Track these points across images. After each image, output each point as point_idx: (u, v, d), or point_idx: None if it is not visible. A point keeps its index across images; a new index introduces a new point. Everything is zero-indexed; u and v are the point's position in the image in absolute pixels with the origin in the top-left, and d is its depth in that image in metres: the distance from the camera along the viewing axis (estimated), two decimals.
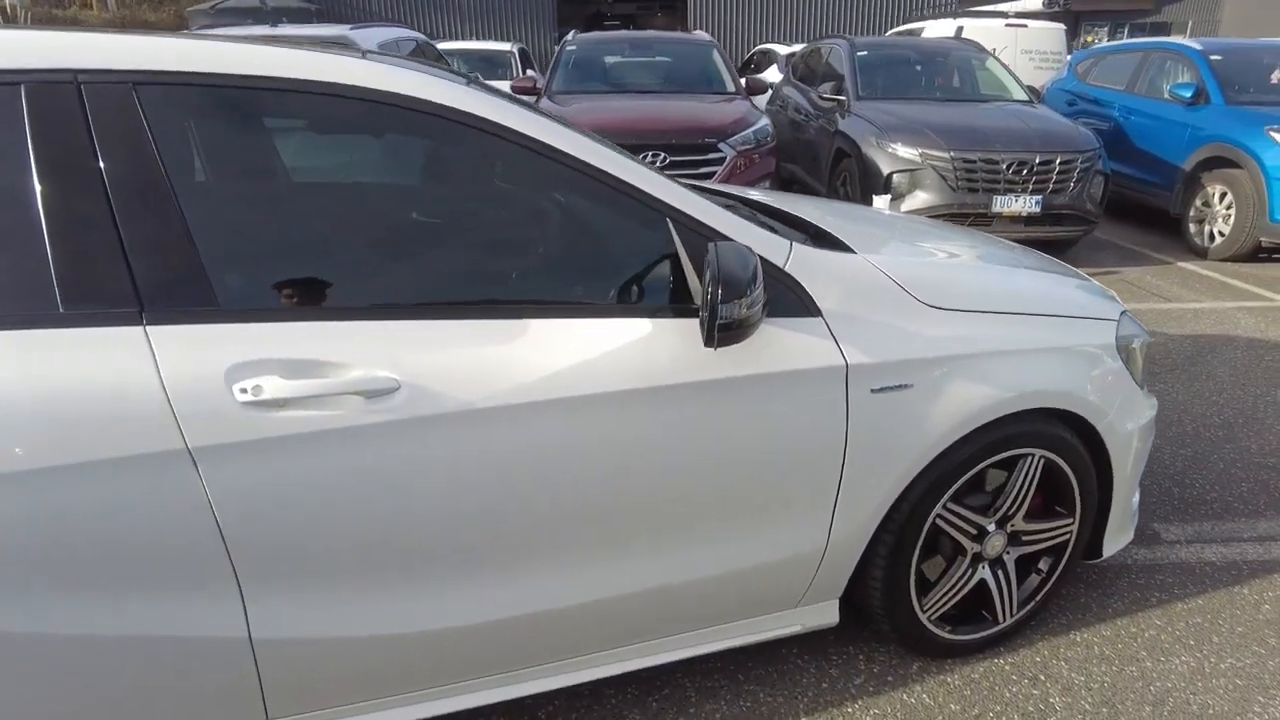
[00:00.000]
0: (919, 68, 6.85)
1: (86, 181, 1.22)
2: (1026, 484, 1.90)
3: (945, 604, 1.94)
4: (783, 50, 12.51)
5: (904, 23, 13.82)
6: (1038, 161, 5.32)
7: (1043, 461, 1.89)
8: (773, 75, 10.99)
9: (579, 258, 1.60)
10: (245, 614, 1.32)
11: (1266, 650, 2.04)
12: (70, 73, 1.25)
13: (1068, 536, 2.02)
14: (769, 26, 24.34)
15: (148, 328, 1.22)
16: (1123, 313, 2.06)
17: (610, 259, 1.56)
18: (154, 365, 1.20)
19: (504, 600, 1.49)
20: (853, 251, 1.77)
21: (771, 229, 1.73)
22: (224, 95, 1.32)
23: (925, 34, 11.11)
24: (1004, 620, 2.01)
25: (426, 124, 1.40)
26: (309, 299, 1.35)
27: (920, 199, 5.36)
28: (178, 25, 16.23)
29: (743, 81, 6.55)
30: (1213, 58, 6.35)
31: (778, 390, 1.56)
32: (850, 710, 1.84)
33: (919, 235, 2.25)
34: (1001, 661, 2.00)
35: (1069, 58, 9.79)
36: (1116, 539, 2.15)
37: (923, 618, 1.91)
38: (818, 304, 1.60)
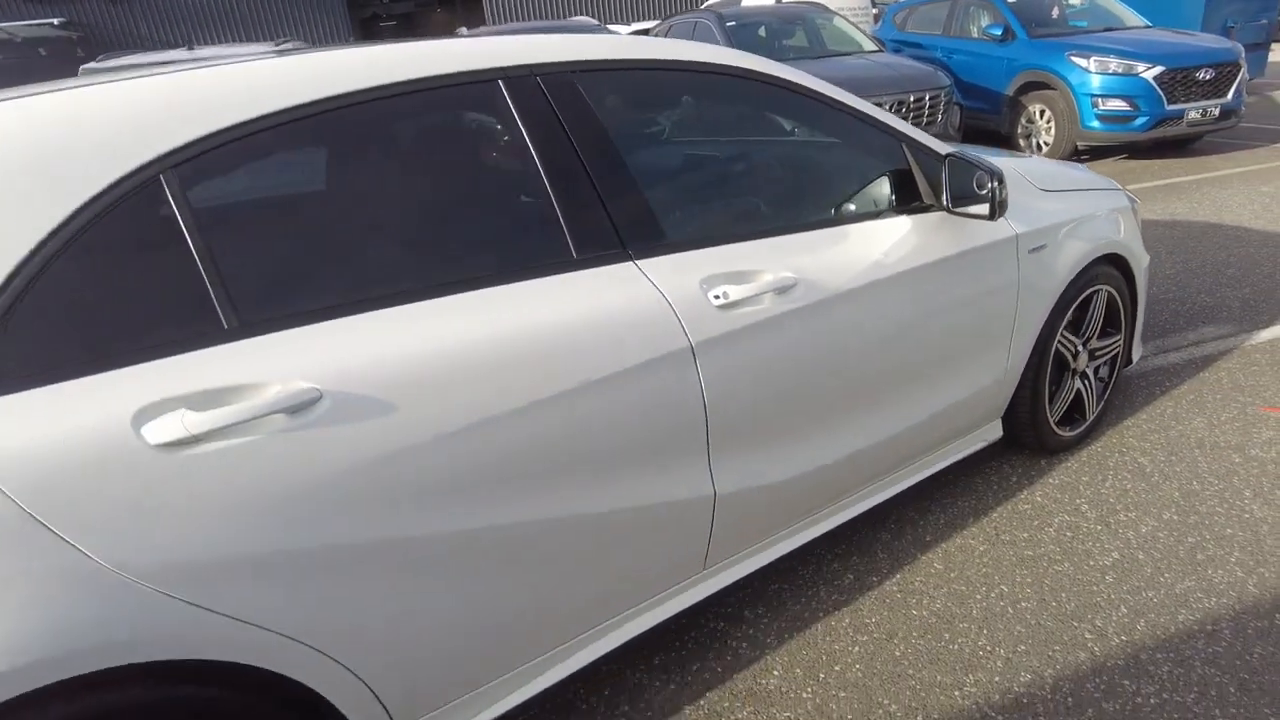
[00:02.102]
0: (780, 32, 7.69)
1: (566, 153, 1.56)
2: (1099, 312, 2.63)
3: (1059, 411, 2.63)
4: (624, 30, 13.06)
5: None
6: (912, 100, 6.30)
7: (1107, 294, 2.63)
8: None
9: (857, 179, 2.06)
10: (711, 477, 1.72)
11: (1245, 402, 2.92)
12: (528, 68, 1.57)
13: (1118, 350, 2.78)
14: (572, 7, 24.71)
15: (637, 262, 1.59)
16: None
17: (873, 179, 2.06)
18: (654, 288, 1.57)
19: (839, 445, 1.97)
20: None
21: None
22: (633, 77, 1.69)
23: (744, 1, 12.11)
24: (1089, 418, 2.75)
25: (762, 90, 1.84)
26: (730, 227, 1.76)
27: None
28: None
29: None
30: (1011, 1, 7.67)
31: (984, 258, 2.15)
32: (1021, 495, 2.49)
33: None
34: (1095, 448, 2.74)
35: (875, 10, 11.14)
36: (1138, 349, 2.95)
37: (1051, 422, 2.60)
38: None
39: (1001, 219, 2.18)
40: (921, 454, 2.27)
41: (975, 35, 7.95)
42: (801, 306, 1.76)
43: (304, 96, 1.36)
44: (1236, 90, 6.75)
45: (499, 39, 1.59)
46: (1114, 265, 2.64)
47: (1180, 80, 6.51)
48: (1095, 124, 6.69)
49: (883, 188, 2.03)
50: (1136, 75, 6.48)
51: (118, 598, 1.10)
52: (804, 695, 1.84)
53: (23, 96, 1.24)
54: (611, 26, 14.19)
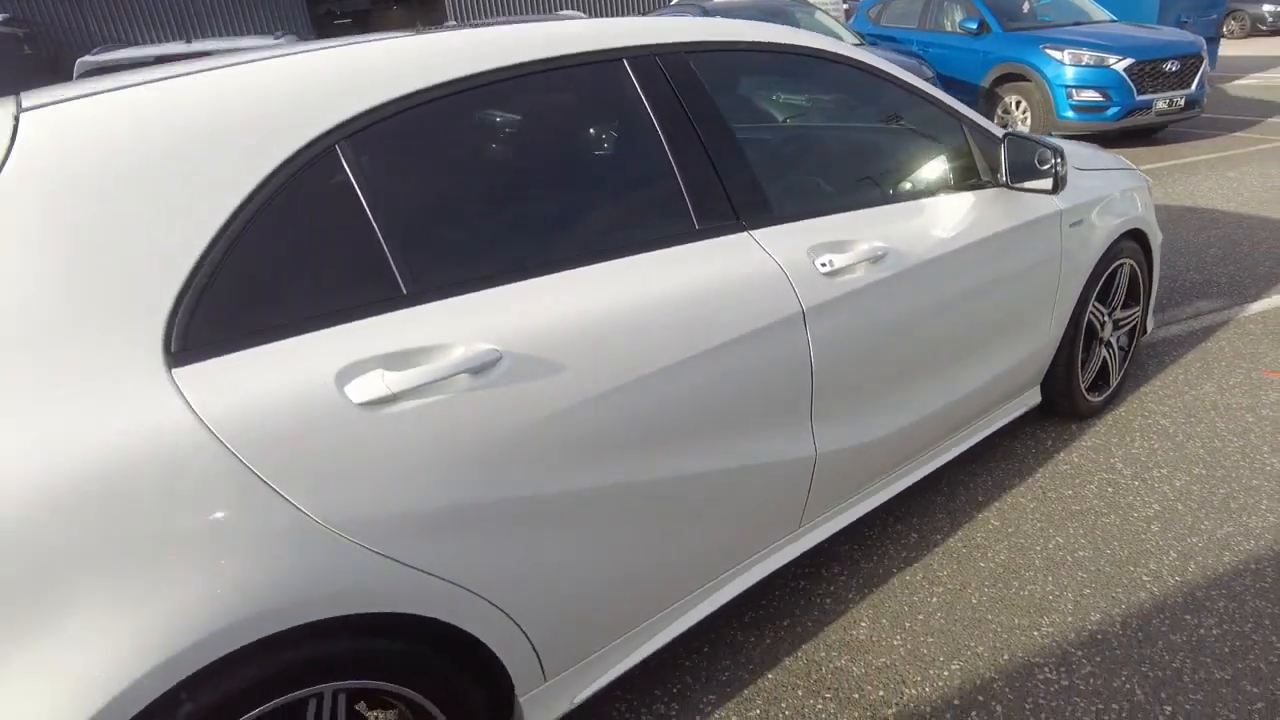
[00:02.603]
0: None
1: (685, 129, 1.65)
2: (1123, 284, 2.80)
3: (1089, 378, 2.80)
4: None
5: None
6: None
7: (1130, 267, 2.80)
8: None
9: (925, 157, 2.16)
10: (813, 437, 1.82)
11: (1249, 367, 3.13)
12: (647, 48, 1.65)
13: (1136, 320, 2.96)
14: (538, 4, 24.59)
15: (751, 232, 1.68)
16: None
17: (936, 156, 2.17)
18: (769, 256, 1.67)
19: (917, 406, 2.09)
20: None
21: None
22: (734, 58, 1.78)
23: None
24: (1113, 385, 2.92)
25: (841, 71, 1.94)
26: (824, 200, 1.87)
27: None
28: None
29: None
30: None
31: (1035, 231, 2.29)
32: (1060, 457, 2.65)
33: None
34: (1119, 412, 2.91)
35: (845, 6, 11.37)
36: (1151, 320, 3.14)
37: (1082, 388, 2.76)
38: None
39: (1035, 197, 2.32)
40: (981, 415, 2.41)
41: (950, 29, 8.20)
42: (891, 275, 1.87)
43: (459, 71, 1.42)
44: (1199, 81, 7.09)
45: (615, 21, 1.67)
46: (1135, 240, 2.81)
47: (1148, 72, 6.81)
48: (1070, 114, 6.97)
49: (945, 165, 2.15)
50: (1108, 67, 6.77)
51: (327, 552, 1.16)
52: (894, 642, 1.96)
53: (199, 73, 1.28)
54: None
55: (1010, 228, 2.20)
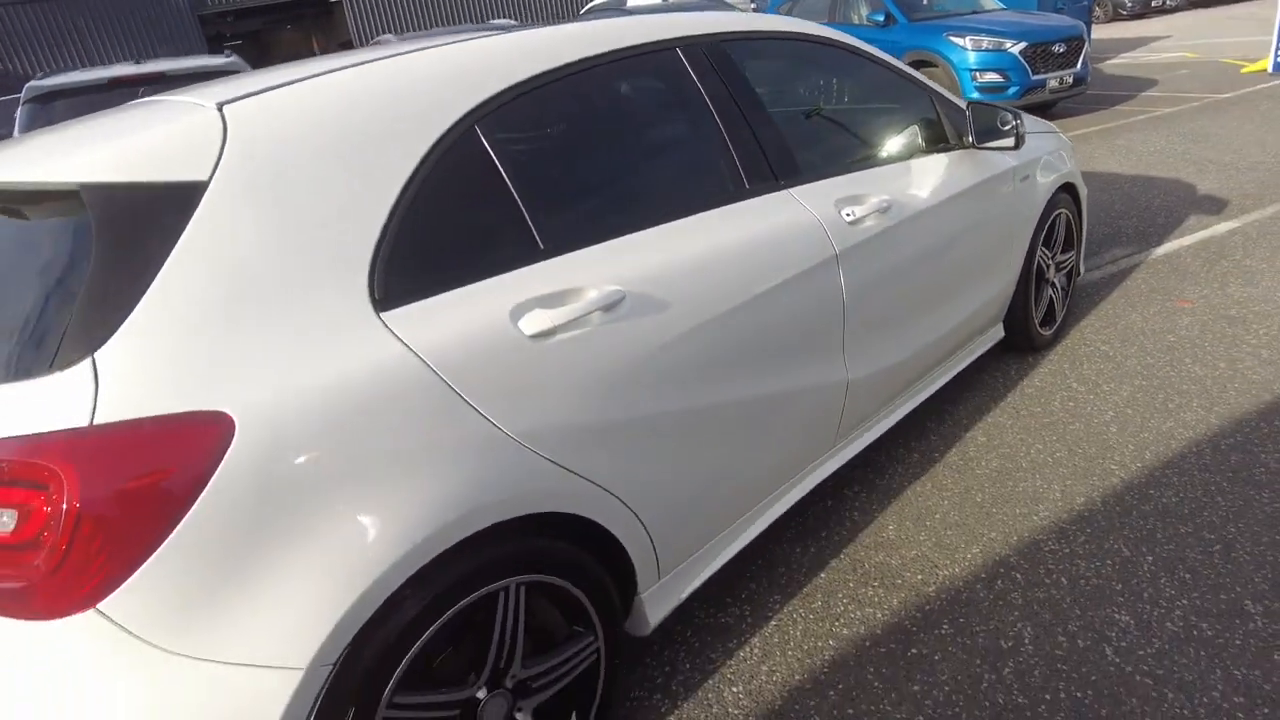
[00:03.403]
0: None
1: (728, 104, 1.93)
2: (1061, 231, 3.23)
3: (1040, 314, 3.22)
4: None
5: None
6: None
7: (1065, 216, 3.24)
8: None
9: (903, 124, 2.50)
10: (845, 364, 2.12)
11: (1163, 299, 3.63)
12: (693, 38, 1.94)
13: (1073, 263, 3.41)
14: (438, 15, 24.43)
15: (790, 190, 1.97)
16: None
17: (911, 124, 2.52)
18: (807, 209, 1.97)
19: (924, 333, 2.43)
20: None
21: None
22: (755, 44, 2.08)
23: (629, 3, 12.60)
24: (1059, 319, 3.36)
25: (839, 53, 2.27)
26: (834, 163, 2.18)
27: None
28: None
29: None
30: None
31: (996, 184, 2.67)
32: (1024, 382, 3.05)
33: None
34: (1066, 343, 3.35)
35: (753, 5, 11.89)
36: (1082, 264, 3.61)
37: (1036, 322, 3.18)
38: None
39: (995, 155, 2.71)
40: (962, 347, 2.78)
41: (858, 22, 8.76)
42: (895, 223, 2.20)
43: (566, 58, 1.67)
44: (1084, 61, 7.84)
45: (666, 16, 1.94)
46: (1068, 193, 3.25)
47: (1040, 54, 7.50)
48: (976, 95, 7.59)
49: (923, 131, 2.50)
50: (1006, 50, 7.42)
51: (514, 459, 1.39)
52: (920, 538, 2.29)
53: (357, 65, 1.48)
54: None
55: (977, 182, 2.57)
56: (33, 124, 4.71)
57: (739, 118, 1.93)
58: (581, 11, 15.04)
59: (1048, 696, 1.75)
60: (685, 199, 1.78)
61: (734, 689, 1.87)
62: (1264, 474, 2.38)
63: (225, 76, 5.02)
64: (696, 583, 1.86)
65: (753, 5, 12.14)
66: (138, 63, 5.14)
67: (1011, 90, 7.48)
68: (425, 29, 23.99)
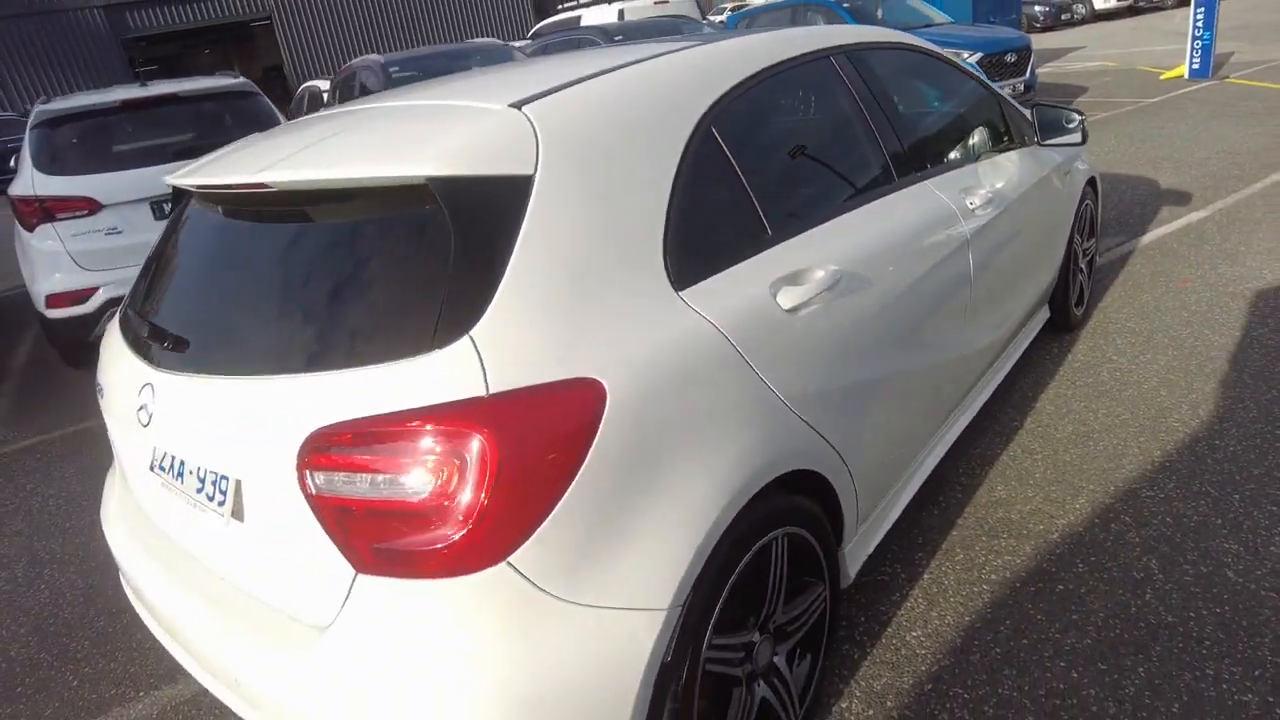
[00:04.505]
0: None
1: (873, 104, 2.14)
2: (1087, 220, 3.57)
3: (1075, 296, 3.55)
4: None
5: (549, 16, 15.20)
6: None
7: (1089, 207, 3.58)
8: None
9: (985, 125, 2.77)
10: (970, 331, 2.35)
11: (1167, 280, 4.02)
12: (839, 47, 2.15)
13: (1094, 250, 3.76)
14: (362, 44, 24.15)
15: (926, 181, 2.20)
16: None
17: (995, 125, 2.78)
18: (941, 197, 2.19)
19: (1013, 307, 2.69)
20: None
21: None
22: (880, 53, 2.30)
23: (583, 21, 12.81)
24: (1086, 300, 3.70)
25: (931, 62, 2.52)
26: (949, 159, 2.41)
27: None
28: None
29: None
30: (845, 5, 8.98)
31: (1052, 177, 2.97)
32: (1070, 358, 3.36)
33: None
34: (1095, 322, 3.68)
35: (711, 19, 12.28)
36: (1099, 251, 3.97)
37: (1072, 303, 3.50)
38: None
39: (1045, 150, 3.01)
40: (1028, 321, 3.07)
41: None
42: (1000, 211, 2.46)
43: (762, 64, 1.85)
44: (1031, 69, 8.44)
45: (823, 28, 2.15)
46: (1090, 186, 3.60)
47: (995, 63, 8.05)
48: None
49: (999, 130, 2.78)
50: (965, 60, 7.92)
51: (782, 419, 1.55)
52: (1029, 494, 2.53)
53: (612, 71, 1.63)
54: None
55: (1042, 176, 2.86)
56: (42, 149, 4.60)
57: (882, 116, 2.15)
58: (530, 32, 15.17)
59: (1191, 614, 2.00)
60: (859, 189, 1.98)
61: (913, 634, 2.06)
62: None
63: (242, 97, 5.06)
64: (880, 535, 2.05)
65: (720, 20, 12.52)
66: (143, 85, 5.06)
67: None
68: (356, 53, 23.70)
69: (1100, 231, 3.92)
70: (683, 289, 1.46)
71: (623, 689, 1.27)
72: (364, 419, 1.19)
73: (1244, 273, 4.00)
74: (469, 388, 1.19)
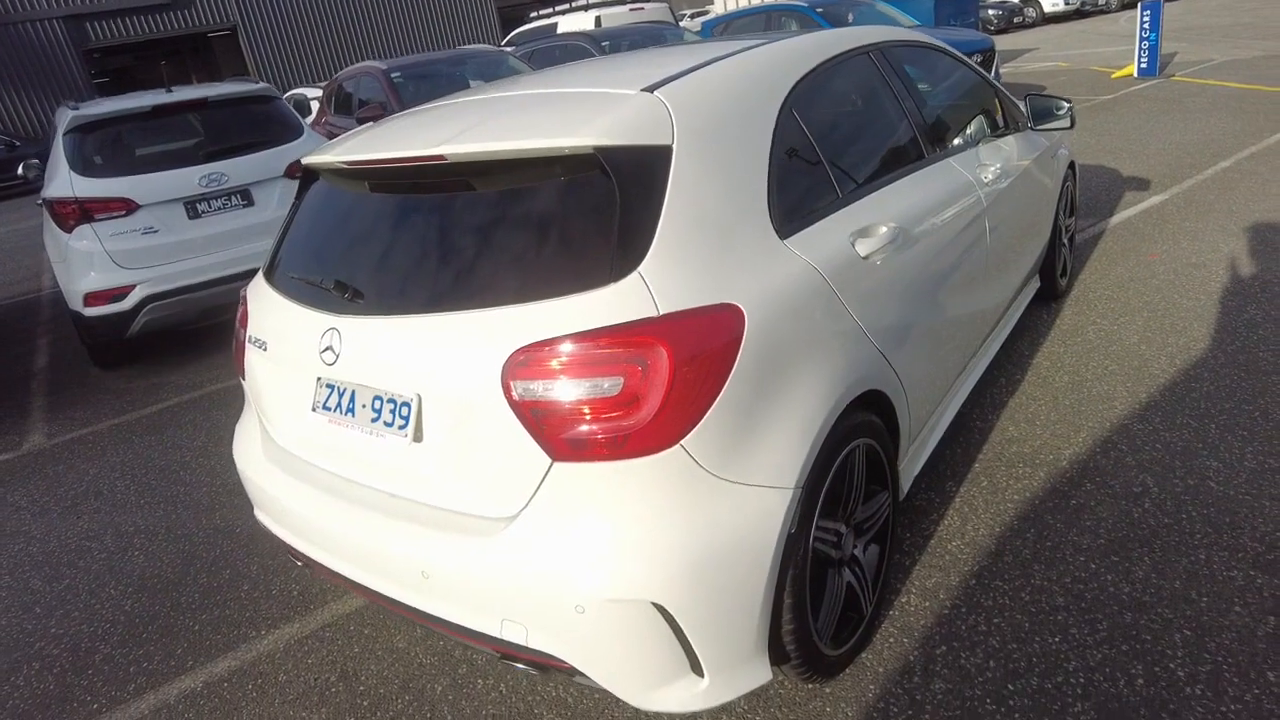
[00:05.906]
0: (653, 46, 8.81)
1: (903, 93, 2.50)
2: (1068, 199, 3.99)
3: (1060, 266, 3.96)
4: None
5: (517, 26, 15.42)
6: None
7: (1070, 187, 4.00)
8: None
9: (982, 111, 3.15)
10: (989, 287, 2.72)
11: (1137, 255, 4.47)
12: (872, 45, 2.50)
13: (1074, 226, 4.18)
14: (334, 53, 24.16)
15: (949, 159, 2.56)
16: None
17: (993, 111, 3.17)
18: (962, 172, 2.56)
19: (1020, 267, 3.07)
20: None
21: None
22: (901, 50, 2.66)
23: (560, 29, 13.13)
24: (1068, 272, 4.12)
25: (944, 59, 2.89)
26: (963, 138, 2.77)
27: None
28: None
29: None
30: (819, 9, 9.43)
31: (1044, 157, 3.36)
32: (1059, 323, 3.76)
33: None
34: (1077, 292, 4.10)
35: (689, 25, 12.68)
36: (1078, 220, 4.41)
37: (1058, 274, 3.91)
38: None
39: (1036, 134, 3.41)
40: (1025, 287, 3.45)
41: None
42: (1008, 185, 2.83)
43: (821, 58, 2.19)
44: (995, 70, 8.96)
45: (853, 29, 2.49)
46: (1070, 169, 4.02)
47: None
48: None
49: (996, 115, 3.17)
50: None
51: (864, 346, 1.89)
52: (1037, 431, 2.91)
53: (717, 60, 1.96)
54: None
55: (1035, 157, 3.26)
56: (78, 152, 4.76)
57: (911, 102, 2.51)
58: (504, 41, 15.42)
59: (1183, 516, 2.38)
60: (900, 163, 2.34)
61: (953, 544, 2.41)
62: (1267, 363, 3.14)
63: (266, 101, 5.43)
64: (924, 456, 2.40)
65: (694, 28, 12.92)
66: (168, 90, 5.24)
67: None
68: (323, 63, 23.68)
69: (1078, 210, 4.34)
70: (785, 238, 1.79)
71: (762, 551, 1.58)
72: (561, 336, 1.49)
73: (1204, 247, 4.47)
74: (643, 310, 1.50)
